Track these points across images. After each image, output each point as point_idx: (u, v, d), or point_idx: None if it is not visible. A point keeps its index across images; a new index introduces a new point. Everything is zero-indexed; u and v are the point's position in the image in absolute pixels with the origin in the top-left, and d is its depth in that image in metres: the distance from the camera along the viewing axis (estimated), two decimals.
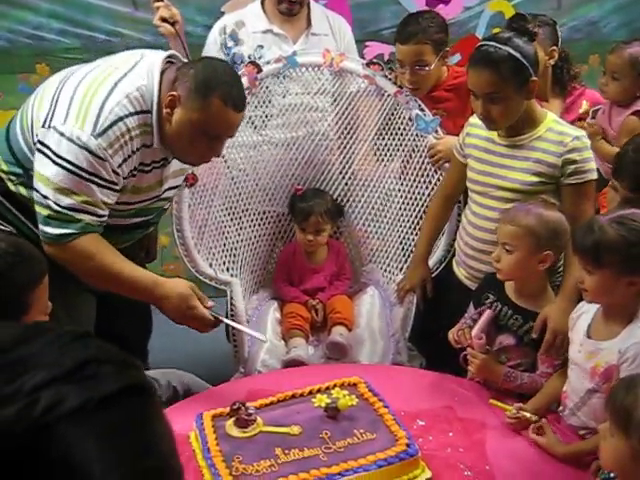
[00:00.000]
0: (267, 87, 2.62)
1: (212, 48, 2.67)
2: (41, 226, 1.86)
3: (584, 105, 2.68)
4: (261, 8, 2.73)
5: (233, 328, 1.93)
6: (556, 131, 2.05)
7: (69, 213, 1.83)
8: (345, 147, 2.77)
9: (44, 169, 1.82)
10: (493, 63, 1.96)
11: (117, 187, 1.90)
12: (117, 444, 0.49)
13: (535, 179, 2.06)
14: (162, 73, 1.91)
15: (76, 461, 0.46)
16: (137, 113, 1.87)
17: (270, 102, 2.64)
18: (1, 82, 3.45)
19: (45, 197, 1.83)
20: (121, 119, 1.84)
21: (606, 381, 1.62)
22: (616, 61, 2.60)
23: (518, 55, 1.96)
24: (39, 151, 1.84)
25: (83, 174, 1.82)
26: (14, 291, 1.42)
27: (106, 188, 1.87)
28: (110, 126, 1.82)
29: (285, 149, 2.72)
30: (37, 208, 1.86)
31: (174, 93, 1.86)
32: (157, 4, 2.35)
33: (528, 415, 1.73)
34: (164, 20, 2.32)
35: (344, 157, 2.78)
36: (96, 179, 1.84)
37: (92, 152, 1.80)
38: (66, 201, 1.82)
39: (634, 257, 1.58)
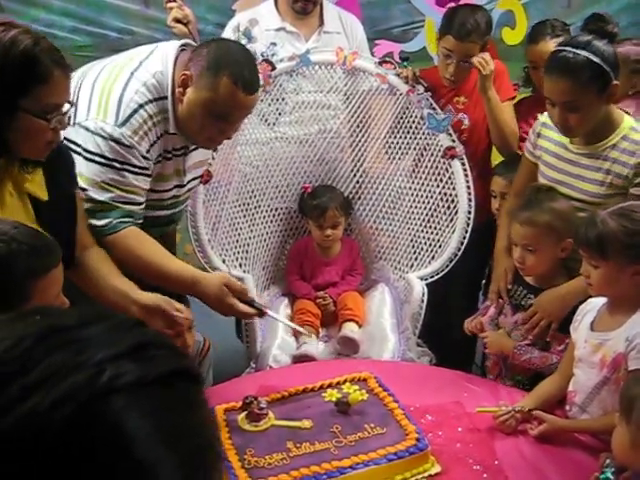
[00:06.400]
0: (280, 85, 2.64)
1: None
2: (88, 221, 1.85)
3: None
4: (274, 6, 2.75)
5: (260, 314, 1.93)
6: (631, 140, 1.96)
7: (109, 202, 1.84)
8: (357, 145, 2.79)
9: (78, 166, 1.82)
10: (571, 71, 1.86)
11: (149, 172, 1.91)
12: (166, 419, 0.52)
13: (604, 191, 1.98)
14: (177, 58, 1.91)
15: (125, 431, 0.49)
16: (155, 100, 1.88)
17: (283, 99, 2.66)
18: None
19: (84, 191, 1.83)
20: (141, 106, 1.86)
21: (615, 371, 1.63)
22: None
23: (598, 60, 1.85)
24: (70, 150, 1.83)
25: (115, 164, 1.83)
26: (13, 278, 1.42)
27: (139, 174, 1.89)
28: (132, 114, 1.84)
29: (297, 146, 2.73)
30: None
31: (187, 72, 1.86)
32: (170, 4, 2.36)
33: (519, 407, 1.71)
34: (177, 21, 2.34)
35: (355, 155, 2.79)
36: (128, 167, 1.85)
37: (118, 141, 1.82)
38: (105, 195, 1.84)
39: (637, 246, 1.60)
